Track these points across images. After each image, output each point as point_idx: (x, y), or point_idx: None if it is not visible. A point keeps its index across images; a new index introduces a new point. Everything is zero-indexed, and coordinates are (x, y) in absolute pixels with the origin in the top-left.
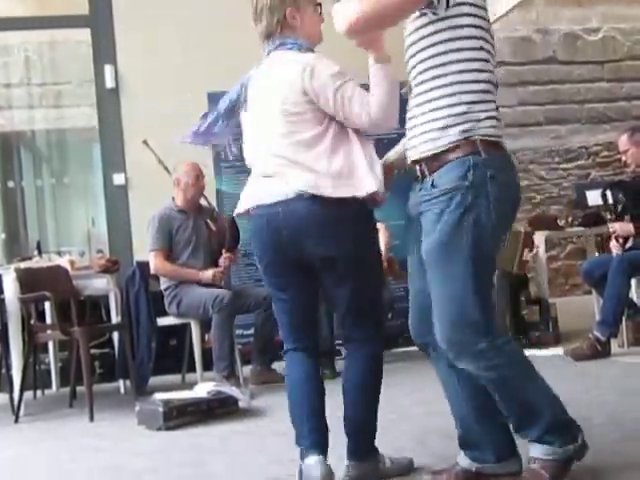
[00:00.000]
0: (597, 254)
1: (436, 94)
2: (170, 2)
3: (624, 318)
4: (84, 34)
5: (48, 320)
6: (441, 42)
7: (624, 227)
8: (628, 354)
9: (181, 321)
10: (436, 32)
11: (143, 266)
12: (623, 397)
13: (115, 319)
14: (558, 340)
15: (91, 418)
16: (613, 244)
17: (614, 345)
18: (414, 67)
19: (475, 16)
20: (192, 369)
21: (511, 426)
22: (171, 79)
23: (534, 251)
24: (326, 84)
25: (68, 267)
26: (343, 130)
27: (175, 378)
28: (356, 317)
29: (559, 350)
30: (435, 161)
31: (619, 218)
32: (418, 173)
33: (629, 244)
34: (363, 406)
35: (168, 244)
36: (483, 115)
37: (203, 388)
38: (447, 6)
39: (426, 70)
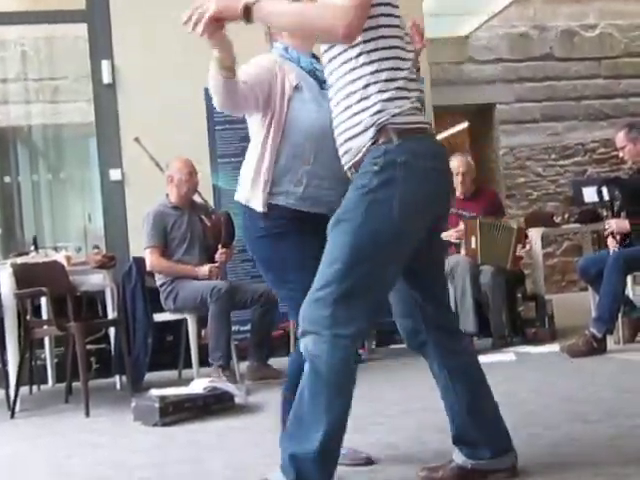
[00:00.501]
0: (593, 251)
1: (353, 99)
2: None
3: (620, 315)
4: (81, 29)
5: (44, 315)
6: (356, 45)
7: (620, 224)
8: (624, 351)
9: (177, 317)
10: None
11: (139, 262)
12: (619, 394)
13: (111, 315)
14: (554, 337)
15: (87, 414)
16: (610, 241)
17: (610, 342)
18: (331, 74)
19: (390, 15)
20: (188, 365)
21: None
22: (168, 75)
23: (527, 247)
24: None
25: (64, 263)
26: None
27: (171, 374)
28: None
29: (555, 347)
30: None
31: (615, 215)
32: (349, 175)
33: (627, 241)
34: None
35: (163, 241)
36: (398, 110)
37: (199, 384)
38: None
39: (342, 76)
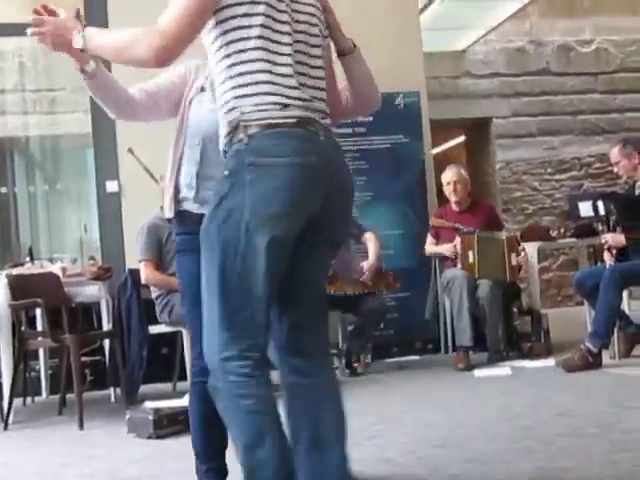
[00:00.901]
0: (589, 265)
1: (218, 96)
2: (163, 6)
3: (616, 330)
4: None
5: (39, 327)
6: (215, 40)
7: (616, 238)
8: (619, 365)
9: (172, 329)
10: (211, 31)
11: (135, 274)
12: (614, 408)
13: (106, 326)
14: (550, 351)
15: (81, 426)
16: (606, 255)
17: (605, 356)
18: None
19: (244, 4)
20: (183, 377)
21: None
22: None
23: (522, 254)
24: None
25: (60, 274)
26: None
27: (166, 386)
28: None
29: (551, 361)
30: None
31: (611, 229)
32: None
33: (623, 256)
34: None
35: (158, 254)
36: (254, 107)
37: None
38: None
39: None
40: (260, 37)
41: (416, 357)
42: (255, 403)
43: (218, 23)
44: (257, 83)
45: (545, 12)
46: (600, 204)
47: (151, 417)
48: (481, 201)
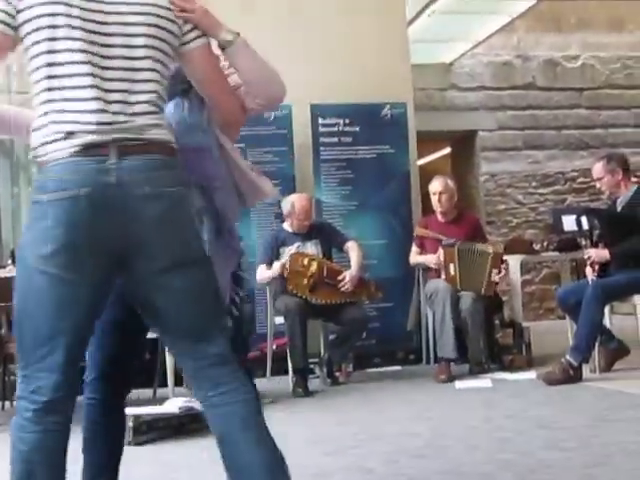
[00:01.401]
0: (572, 279)
1: None
2: None
3: (597, 344)
4: None
5: None
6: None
7: (600, 253)
8: (600, 380)
9: (154, 335)
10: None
11: None
12: (594, 422)
13: None
14: (531, 364)
15: None
16: (588, 270)
17: (586, 370)
18: None
19: (31, 19)
20: (164, 384)
21: None
22: None
23: (502, 272)
24: None
25: None
26: None
27: (146, 393)
28: None
29: (531, 374)
30: None
31: (594, 245)
32: None
33: (605, 272)
34: None
35: None
36: (42, 140)
37: (174, 403)
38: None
39: None
40: (47, 64)
41: (398, 367)
42: (28, 451)
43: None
44: (46, 114)
45: (532, 27)
46: (584, 219)
47: (130, 423)
48: (466, 213)
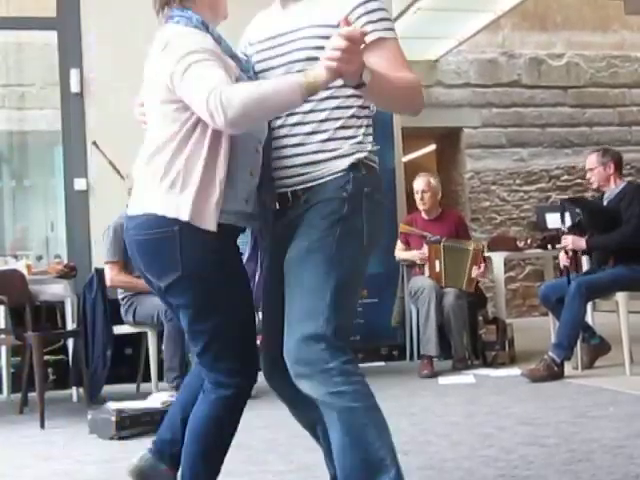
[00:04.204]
0: (555, 276)
1: (332, 125)
2: (138, 7)
3: (579, 341)
4: (51, 37)
5: (1, 324)
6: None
7: (576, 241)
8: (581, 376)
9: (137, 330)
10: None
11: (101, 273)
12: (575, 418)
13: (70, 326)
14: (514, 360)
15: (42, 425)
16: (561, 256)
17: (568, 367)
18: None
19: None
20: (147, 379)
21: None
22: (137, 85)
23: (481, 269)
24: (172, 67)
25: (25, 271)
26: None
27: (130, 387)
28: None
29: (514, 370)
30: None
31: (578, 234)
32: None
33: (585, 268)
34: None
35: (123, 255)
36: (371, 146)
37: (157, 398)
38: None
39: (324, 99)
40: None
41: (381, 363)
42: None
43: None
44: (369, 126)
45: (518, 25)
46: (567, 215)
47: (113, 418)
48: (450, 210)
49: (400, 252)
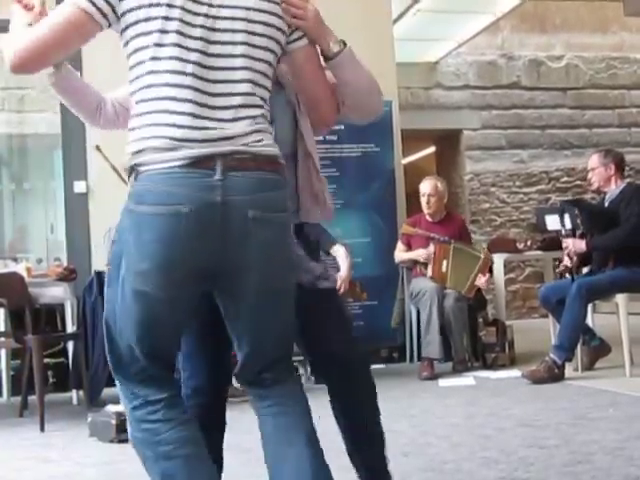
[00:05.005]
0: (555, 278)
1: None
2: None
3: (580, 343)
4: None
5: (1, 327)
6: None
7: (577, 244)
8: (581, 378)
9: None
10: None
11: (101, 276)
12: (575, 420)
13: (70, 328)
14: (514, 362)
15: (42, 428)
16: (565, 259)
17: (569, 369)
18: None
19: (146, 20)
20: None
21: None
22: None
23: (486, 276)
24: None
25: (24, 274)
26: None
27: None
28: None
29: (514, 372)
30: None
31: (576, 238)
32: None
33: (583, 267)
34: None
35: None
36: (143, 146)
37: None
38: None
39: None
40: (152, 58)
41: (381, 365)
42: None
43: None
44: (144, 114)
45: (517, 27)
46: (567, 216)
47: (113, 421)
48: (454, 214)
49: (401, 253)
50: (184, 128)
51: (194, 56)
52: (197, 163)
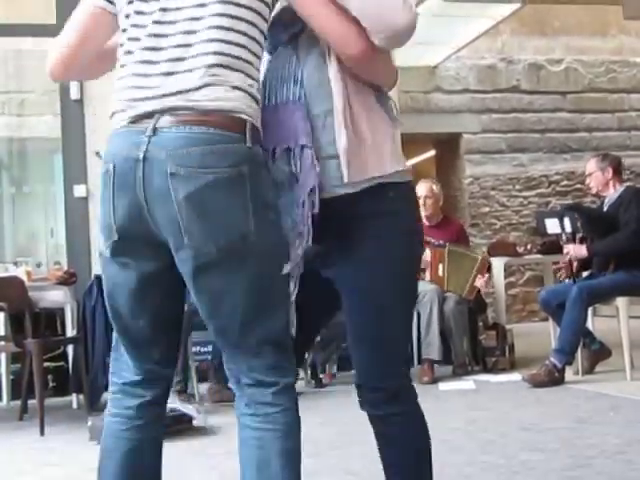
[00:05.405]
0: (555, 282)
1: None
2: None
3: (580, 346)
4: (51, 43)
5: (1, 331)
6: None
7: (577, 250)
8: (582, 382)
9: None
10: None
11: (101, 280)
12: (576, 424)
13: (70, 332)
14: (514, 366)
15: (42, 432)
16: (566, 266)
17: (569, 372)
18: None
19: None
20: None
21: None
22: None
23: (485, 277)
24: None
25: (24, 278)
26: None
27: None
28: None
29: (514, 376)
30: None
31: (576, 243)
32: None
33: (584, 271)
34: None
35: None
36: (112, 110)
37: None
38: None
39: None
40: (123, 30)
41: None
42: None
43: None
44: (118, 80)
45: (516, 31)
46: (566, 220)
47: None
48: (451, 218)
49: None
50: (132, 89)
51: (152, 18)
52: (137, 121)
